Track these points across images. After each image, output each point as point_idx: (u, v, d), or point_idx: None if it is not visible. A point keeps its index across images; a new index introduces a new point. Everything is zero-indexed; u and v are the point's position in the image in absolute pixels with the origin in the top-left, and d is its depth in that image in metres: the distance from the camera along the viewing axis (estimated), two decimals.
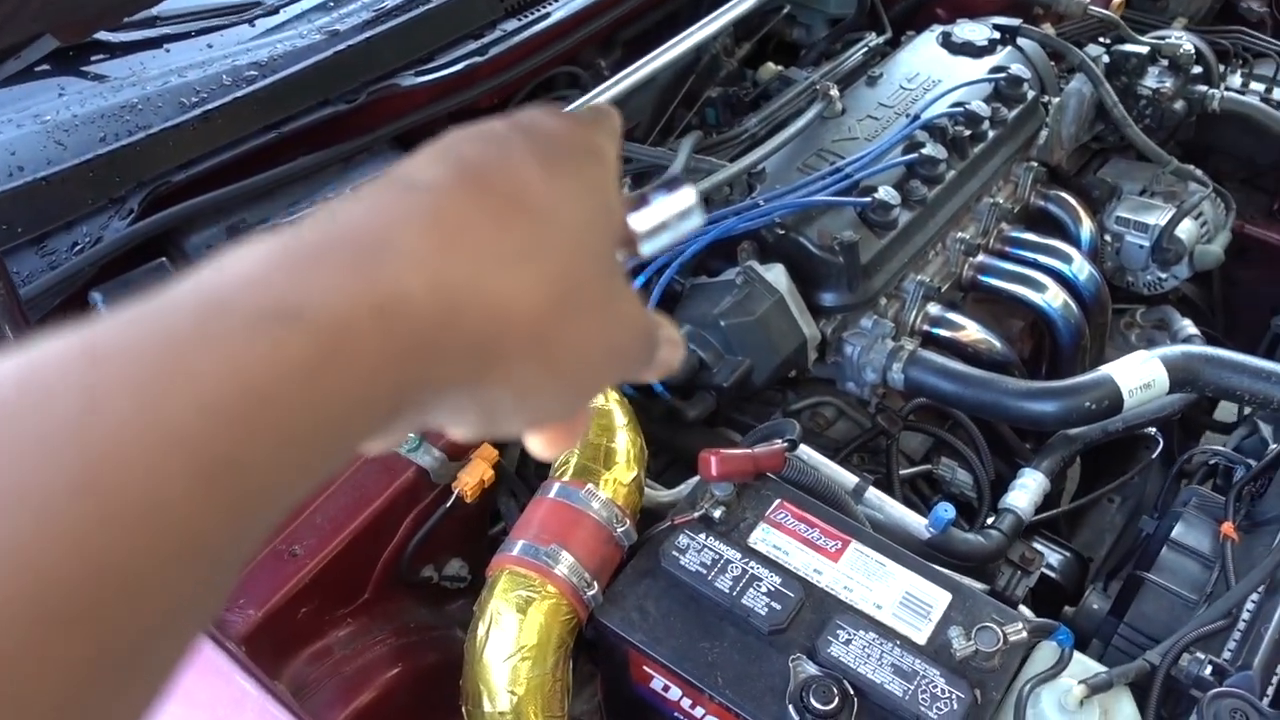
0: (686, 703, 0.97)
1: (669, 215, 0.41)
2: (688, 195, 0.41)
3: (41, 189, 1.11)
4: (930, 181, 1.43)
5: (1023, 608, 1.15)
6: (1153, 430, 1.46)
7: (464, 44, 1.37)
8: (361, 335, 0.28)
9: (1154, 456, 1.46)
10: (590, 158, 0.37)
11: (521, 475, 1.22)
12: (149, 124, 1.17)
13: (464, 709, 0.92)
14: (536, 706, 0.91)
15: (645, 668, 0.98)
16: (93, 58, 1.28)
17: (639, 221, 0.41)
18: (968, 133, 1.47)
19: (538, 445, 0.42)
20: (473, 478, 1.06)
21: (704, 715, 0.96)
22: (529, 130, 0.35)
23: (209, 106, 1.19)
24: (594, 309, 0.35)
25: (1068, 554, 1.42)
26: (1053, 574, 1.39)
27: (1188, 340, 1.59)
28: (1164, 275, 1.65)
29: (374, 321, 0.28)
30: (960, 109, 1.48)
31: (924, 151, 1.41)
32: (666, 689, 0.98)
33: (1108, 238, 1.66)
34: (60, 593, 0.22)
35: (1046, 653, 0.96)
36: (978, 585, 1.15)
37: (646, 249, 0.42)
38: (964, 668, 0.92)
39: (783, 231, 1.31)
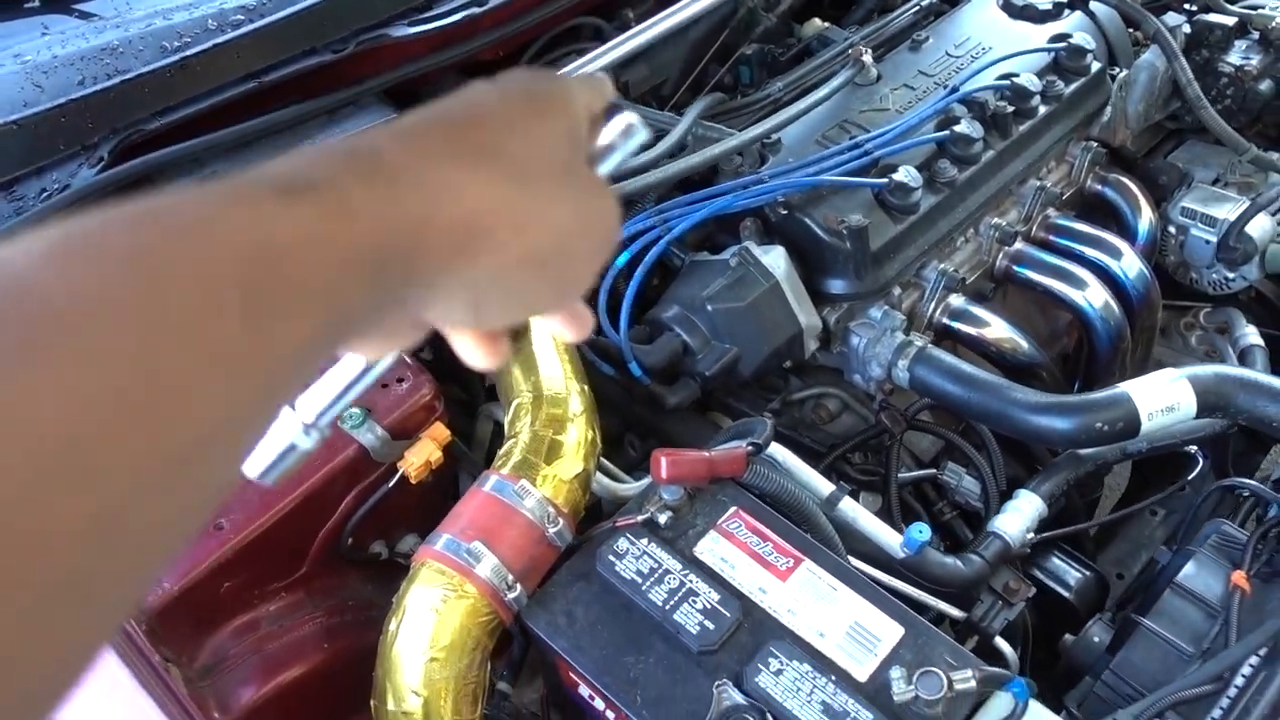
0: (610, 715, 0.92)
1: (614, 136, 0.47)
2: (627, 116, 0.49)
3: (12, 132, 1.09)
4: (963, 162, 1.30)
5: (1001, 642, 1.07)
6: (1193, 449, 1.33)
7: None
8: (357, 204, 0.34)
9: (1191, 478, 1.32)
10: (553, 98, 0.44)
11: (491, 455, 1.18)
12: (127, 68, 1.14)
13: (372, 704, 0.89)
14: (445, 709, 0.87)
15: (571, 674, 0.93)
16: None
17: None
18: (1012, 109, 1.34)
19: (559, 329, 0.49)
20: (419, 458, 1.02)
21: None
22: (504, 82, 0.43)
23: (188, 53, 1.15)
24: (566, 198, 0.41)
25: (1087, 574, 1.31)
26: (1068, 594, 1.29)
27: (1248, 350, 1.44)
28: (1231, 275, 1.49)
29: (365, 193, 0.34)
30: (1006, 82, 1.35)
31: (957, 129, 1.29)
32: (592, 699, 0.93)
33: (1171, 229, 1.50)
34: (129, 387, 0.26)
35: (1000, 704, 0.87)
36: (956, 612, 1.08)
37: (603, 170, 0.47)
38: (903, 713, 0.85)
39: (786, 211, 1.22)
